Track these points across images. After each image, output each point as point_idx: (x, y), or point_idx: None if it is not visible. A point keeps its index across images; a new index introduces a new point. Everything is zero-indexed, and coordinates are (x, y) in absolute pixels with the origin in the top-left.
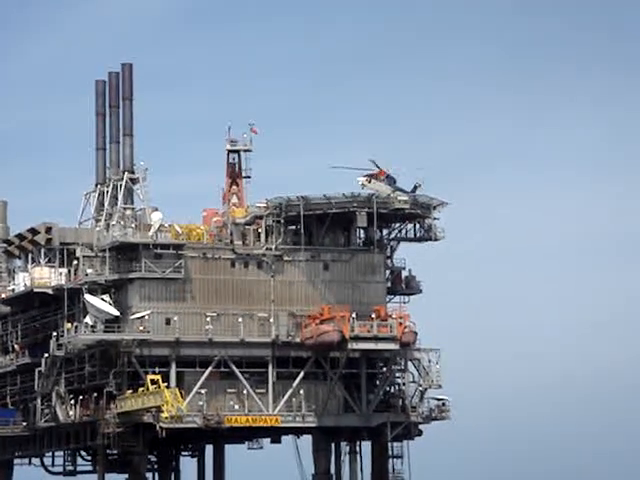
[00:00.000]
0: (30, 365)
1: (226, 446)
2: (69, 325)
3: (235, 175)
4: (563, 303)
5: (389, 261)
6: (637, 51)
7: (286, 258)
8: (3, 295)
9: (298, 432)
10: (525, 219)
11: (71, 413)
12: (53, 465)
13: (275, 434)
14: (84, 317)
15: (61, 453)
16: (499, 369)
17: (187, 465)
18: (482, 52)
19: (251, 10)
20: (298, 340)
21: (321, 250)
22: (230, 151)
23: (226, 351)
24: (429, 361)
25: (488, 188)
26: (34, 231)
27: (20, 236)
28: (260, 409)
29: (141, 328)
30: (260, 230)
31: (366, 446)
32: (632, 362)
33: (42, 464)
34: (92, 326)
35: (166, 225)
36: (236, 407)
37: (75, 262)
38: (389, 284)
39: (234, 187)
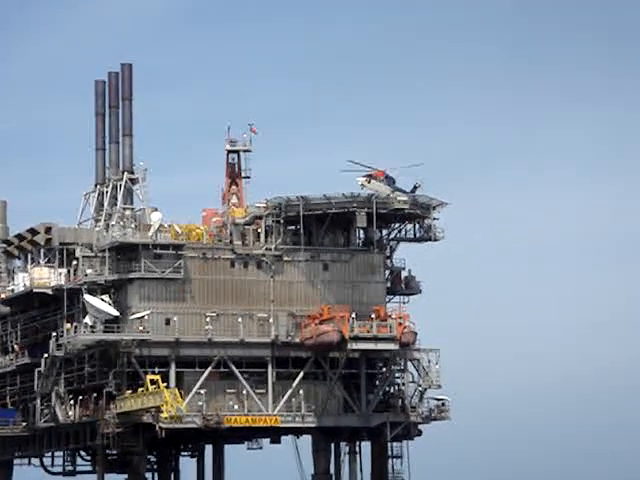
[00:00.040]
0: (30, 365)
1: (226, 446)
2: (69, 325)
3: (235, 175)
4: (563, 303)
5: (389, 261)
6: (637, 51)
7: (286, 258)
8: (3, 295)
9: (298, 432)
10: (525, 219)
11: (71, 413)
12: (53, 465)
13: (275, 434)
14: (84, 317)
15: (61, 453)
16: (499, 369)
17: (187, 465)
18: (482, 52)
19: (251, 10)
20: (298, 340)
21: (321, 250)
22: (230, 151)
23: (226, 351)
24: (429, 361)
25: (488, 188)
26: (34, 231)
27: (20, 236)
28: (260, 409)
29: (141, 328)
30: (260, 230)
31: (366, 446)
32: (632, 362)
33: (42, 464)
34: (92, 326)
35: (166, 225)
36: (236, 407)
37: (75, 262)
38: (389, 284)
39: (234, 187)
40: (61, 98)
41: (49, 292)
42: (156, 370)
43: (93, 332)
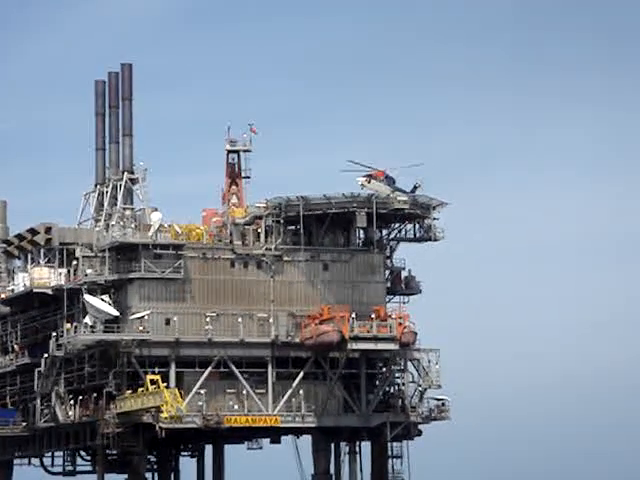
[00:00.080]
0: (30, 365)
1: (226, 446)
2: (68, 325)
3: (235, 175)
4: (563, 303)
5: (389, 261)
6: (637, 51)
7: (286, 258)
8: (3, 295)
9: (298, 432)
10: (525, 219)
11: (71, 413)
12: (53, 465)
13: (275, 434)
14: (84, 317)
15: (61, 453)
16: (499, 369)
17: (186, 465)
18: (482, 52)
19: (251, 10)
20: (298, 340)
21: (321, 250)
22: (230, 151)
23: (226, 351)
24: (429, 361)
25: (488, 188)
26: (33, 231)
27: (20, 236)
28: (260, 409)
29: (141, 328)
30: (260, 230)
31: (366, 446)
32: (632, 362)
33: (42, 464)
34: (91, 326)
35: (166, 225)
36: (236, 407)
37: (74, 262)
38: (389, 284)
39: (234, 187)
40: (61, 98)
41: (49, 292)
42: (156, 370)
43: (93, 332)
